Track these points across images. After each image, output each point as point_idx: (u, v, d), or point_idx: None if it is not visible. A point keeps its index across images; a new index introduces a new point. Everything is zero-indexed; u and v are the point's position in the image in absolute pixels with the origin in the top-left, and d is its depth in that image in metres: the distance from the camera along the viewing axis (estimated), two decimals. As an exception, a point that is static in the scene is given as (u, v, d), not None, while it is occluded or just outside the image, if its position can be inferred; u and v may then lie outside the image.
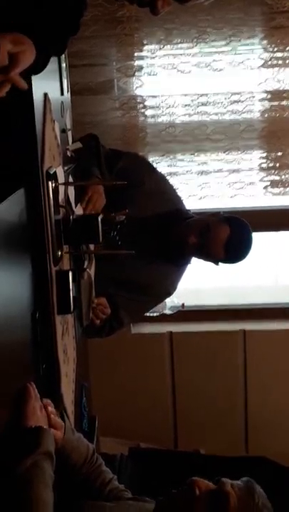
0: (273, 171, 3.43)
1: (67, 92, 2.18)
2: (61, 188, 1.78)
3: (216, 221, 2.46)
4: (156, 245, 2.50)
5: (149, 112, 3.38)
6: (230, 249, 2.43)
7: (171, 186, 2.69)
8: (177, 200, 2.66)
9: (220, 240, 2.41)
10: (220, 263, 2.51)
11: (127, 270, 2.50)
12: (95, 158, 2.40)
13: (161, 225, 2.51)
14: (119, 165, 2.46)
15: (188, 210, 2.64)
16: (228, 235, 2.41)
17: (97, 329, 2.46)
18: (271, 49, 3.28)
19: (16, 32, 1.30)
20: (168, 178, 3.02)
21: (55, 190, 1.68)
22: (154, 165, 3.37)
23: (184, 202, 2.68)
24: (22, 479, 1.28)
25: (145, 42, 3.31)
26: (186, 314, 3.57)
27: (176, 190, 2.71)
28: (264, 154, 3.42)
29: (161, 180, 2.64)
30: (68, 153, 2.14)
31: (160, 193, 2.58)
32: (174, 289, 2.71)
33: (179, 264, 2.63)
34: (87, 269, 2.13)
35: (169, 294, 2.74)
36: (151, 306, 2.81)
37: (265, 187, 3.47)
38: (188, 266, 2.65)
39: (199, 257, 2.54)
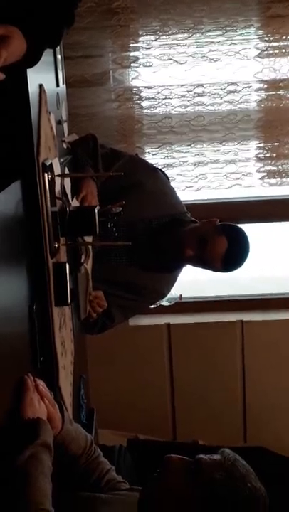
0: (270, 161, 3.42)
1: (63, 83, 2.18)
2: (57, 180, 1.77)
3: (212, 234, 2.43)
4: (152, 248, 2.49)
5: (145, 103, 3.37)
6: (228, 261, 2.42)
7: (171, 188, 2.67)
8: (176, 202, 2.64)
9: (217, 253, 2.40)
10: (217, 272, 2.50)
11: (122, 271, 2.50)
12: (91, 159, 2.39)
13: (158, 229, 2.50)
14: (117, 165, 2.44)
15: (187, 212, 2.62)
16: (225, 248, 2.40)
17: (89, 325, 2.46)
18: (267, 38, 3.26)
19: (5, 24, 1.29)
20: (164, 169, 3.02)
21: (52, 182, 1.67)
22: (151, 156, 3.39)
23: (183, 204, 2.65)
24: (21, 471, 1.29)
25: (141, 33, 3.29)
26: (183, 306, 3.57)
27: (177, 192, 2.69)
28: (261, 144, 3.41)
29: (160, 181, 2.61)
30: (64, 145, 2.14)
31: (159, 194, 2.56)
32: (168, 291, 2.71)
33: (173, 269, 2.63)
34: (84, 263, 2.13)
35: (163, 295, 2.75)
36: (144, 306, 2.82)
37: (262, 177, 3.46)
38: (183, 268, 2.64)
39: (196, 267, 2.54)
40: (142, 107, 3.37)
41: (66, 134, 2.20)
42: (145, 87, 3.35)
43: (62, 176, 1.90)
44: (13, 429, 1.36)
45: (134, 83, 3.36)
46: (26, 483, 1.27)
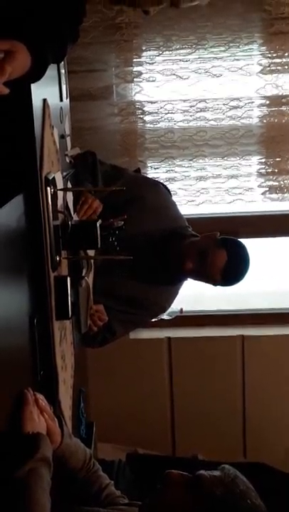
0: (272, 177, 3.43)
1: (67, 97, 2.19)
2: (60, 194, 1.78)
3: (212, 247, 2.43)
4: (153, 262, 2.49)
5: (147, 118, 3.39)
6: (227, 275, 2.43)
7: (172, 202, 2.68)
8: (178, 216, 2.64)
9: (217, 266, 2.41)
10: (217, 285, 2.50)
11: (124, 285, 2.50)
12: (90, 176, 2.40)
13: (159, 243, 2.50)
14: (118, 182, 2.44)
15: (188, 227, 2.63)
16: (225, 262, 2.40)
17: (90, 338, 2.46)
18: (270, 55, 3.28)
19: (10, 39, 1.30)
20: (167, 183, 3.03)
21: (54, 196, 1.68)
22: (153, 170, 3.41)
23: (184, 218, 2.66)
24: (20, 485, 1.28)
25: (144, 48, 3.31)
26: (184, 319, 3.57)
27: (178, 206, 2.70)
28: (263, 160, 3.42)
29: (162, 195, 2.62)
30: (67, 159, 2.14)
31: (160, 208, 2.57)
32: (169, 305, 2.71)
33: (174, 282, 2.63)
34: (86, 277, 2.13)
35: (163, 309, 2.74)
36: (145, 320, 2.82)
37: (264, 192, 3.47)
38: (185, 282, 2.64)
39: (196, 280, 2.54)
40: (144, 122, 3.39)
41: (69, 148, 2.21)
42: (148, 102, 3.37)
43: (65, 189, 1.91)
44: (13, 444, 1.36)
45: (138, 98, 3.38)
46: (25, 498, 1.27)
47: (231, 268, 2.42)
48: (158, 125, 3.38)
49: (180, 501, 1.47)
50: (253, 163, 3.44)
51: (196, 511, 1.45)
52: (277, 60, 3.30)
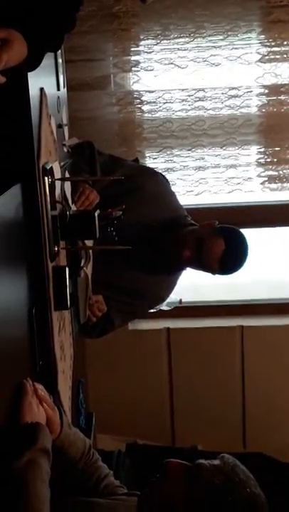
0: (271, 166, 3.42)
1: (64, 87, 2.17)
2: (57, 184, 1.77)
3: (210, 235, 2.42)
4: (152, 252, 2.49)
5: (146, 108, 3.37)
6: (225, 263, 2.41)
7: (171, 192, 2.67)
8: (176, 206, 2.63)
9: (214, 254, 2.39)
10: (215, 274, 2.49)
11: (122, 275, 2.50)
12: (88, 166, 2.38)
13: (158, 232, 2.49)
14: (117, 173, 2.43)
15: (187, 216, 2.62)
16: (222, 250, 2.39)
17: (89, 329, 2.45)
18: (268, 43, 3.27)
19: (6, 27, 1.29)
20: (165, 173, 3.02)
21: (52, 186, 1.67)
22: (152, 161, 3.39)
23: (183, 208, 2.65)
24: (19, 475, 1.28)
25: (142, 37, 3.30)
26: (183, 310, 3.56)
27: (177, 196, 2.69)
28: (261, 149, 3.41)
29: (161, 185, 2.61)
30: (65, 149, 2.13)
31: (159, 198, 2.55)
32: (168, 295, 2.70)
33: (173, 272, 2.62)
34: (84, 267, 2.12)
35: (162, 299, 2.73)
36: (144, 310, 2.81)
37: (263, 182, 3.46)
38: (183, 272, 2.63)
39: (194, 269, 2.53)
40: (142, 111, 3.37)
41: (67, 138, 2.20)
42: (146, 91, 3.36)
43: (63, 179, 1.90)
44: (12, 434, 1.35)
45: (135, 87, 3.36)
46: (24, 488, 1.26)
47: (229, 257, 2.41)
48: (156, 115, 3.36)
49: (180, 490, 1.47)
50: (252, 152, 3.43)
51: (195, 500, 1.45)
52: (276, 49, 3.28)
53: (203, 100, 3.34)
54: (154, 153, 3.41)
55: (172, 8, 3.20)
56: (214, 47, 3.29)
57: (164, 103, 3.35)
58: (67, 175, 2.04)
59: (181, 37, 3.27)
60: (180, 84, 3.34)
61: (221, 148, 3.40)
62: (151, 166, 3.35)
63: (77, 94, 3.21)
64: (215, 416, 3.54)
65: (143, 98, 3.36)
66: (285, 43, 3.26)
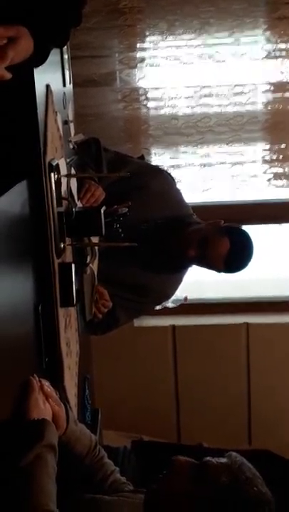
0: (277, 163, 3.42)
1: (70, 83, 2.17)
2: (63, 180, 1.77)
3: (215, 234, 2.42)
4: (157, 249, 2.49)
5: (151, 104, 3.37)
6: (230, 262, 2.41)
7: (177, 189, 2.66)
8: (182, 203, 2.63)
9: (219, 253, 2.40)
10: (221, 272, 2.49)
11: (128, 272, 2.50)
12: (94, 163, 2.38)
13: (163, 230, 2.49)
14: (123, 170, 2.42)
15: (193, 214, 2.62)
16: (227, 250, 2.39)
17: (94, 326, 2.45)
18: (274, 40, 3.26)
19: (13, 23, 1.29)
20: (170, 170, 3.02)
21: (58, 182, 1.67)
22: (157, 157, 3.39)
23: (189, 206, 2.65)
24: (25, 471, 1.28)
25: (147, 33, 3.29)
26: (188, 307, 3.56)
27: (182, 194, 2.68)
28: (267, 146, 3.40)
29: (166, 182, 2.61)
30: (70, 145, 2.13)
31: (164, 196, 2.55)
32: (173, 292, 2.70)
33: (179, 269, 2.62)
34: (90, 264, 2.12)
35: (167, 297, 2.74)
36: (149, 307, 2.81)
37: (269, 179, 3.45)
38: (189, 269, 2.63)
39: (199, 267, 2.53)
40: (148, 108, 3.37)
41: (73, 134, 2.20)
42: (152, 88, 3.35)
43: (69, 176, 1.89)
44: (18, 430, 1.36)
45: (141, 84, 3.36)
46: (31, 484, 1.26)
47: (234, 256, 2.41)
48: (162, 111, 3.36)
49: (186, 488, 1.47)
50: (258, 149, 3.42)
51: (202, 497, 1.45)
52: (282, 46, 3.27)
53: (208, 97, 3.34)
54: (160, 150, 3.41)
55: (178, 4, 3.20)
56: (220, 43, 3.28)
57: (170, 100, 3.34)
58: (73, 171, 2.04)
59: (186, 33, 3.27)
60: (186, 80, 3.33)
61: (227, 145, 3.40)
62: (156, 162, 3.35)
63: (83, 91, 3.20)
64: (220, 413, 3.54)
65: (148, 95, 3.36)
66: (291, 39, 3.25)
